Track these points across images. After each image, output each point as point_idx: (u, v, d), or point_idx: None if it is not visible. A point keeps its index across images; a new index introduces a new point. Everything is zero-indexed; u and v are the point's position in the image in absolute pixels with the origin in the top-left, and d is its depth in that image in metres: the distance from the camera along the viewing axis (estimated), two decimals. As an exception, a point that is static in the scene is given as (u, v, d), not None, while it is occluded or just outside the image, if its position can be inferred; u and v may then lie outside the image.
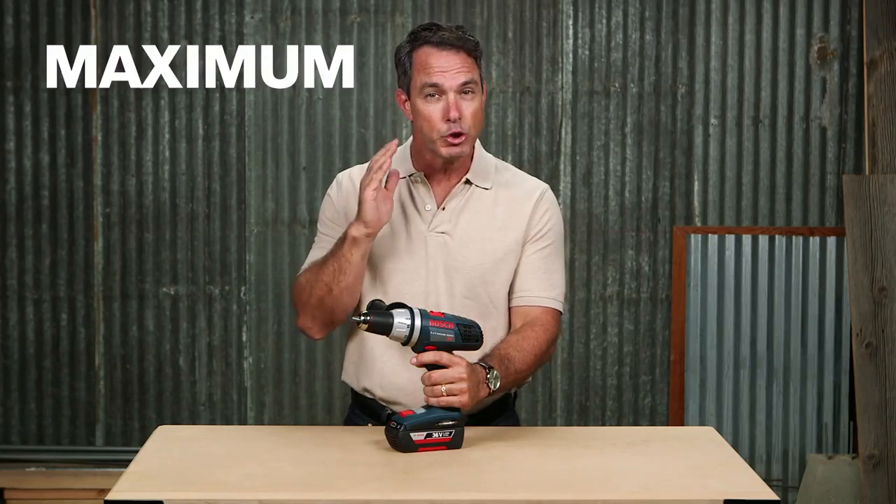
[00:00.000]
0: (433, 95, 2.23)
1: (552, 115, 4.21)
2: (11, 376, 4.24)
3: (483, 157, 2.38)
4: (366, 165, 2.44)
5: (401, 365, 2.27)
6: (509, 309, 2.35)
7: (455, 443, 2.07)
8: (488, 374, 2.13)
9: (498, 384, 2.14)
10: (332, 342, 4.18)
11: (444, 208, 2.31)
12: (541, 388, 4.26)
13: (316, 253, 2.35)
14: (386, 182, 2.20)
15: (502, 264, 2.31)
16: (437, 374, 2.06)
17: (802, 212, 4.23)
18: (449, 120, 2.22)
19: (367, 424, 2.34)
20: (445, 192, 2.33)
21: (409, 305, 2.09)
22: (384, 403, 2.32)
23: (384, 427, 2.09)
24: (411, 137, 2.38)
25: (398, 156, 2.38)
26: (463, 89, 2.24)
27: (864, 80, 4.10)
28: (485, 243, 2.30)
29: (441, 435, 2.06)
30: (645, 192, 4.23)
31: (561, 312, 2.35)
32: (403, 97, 2.30)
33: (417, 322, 2.05)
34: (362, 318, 2.05)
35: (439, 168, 2.32)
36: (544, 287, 2.32)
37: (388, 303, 2.12)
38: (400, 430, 2.03)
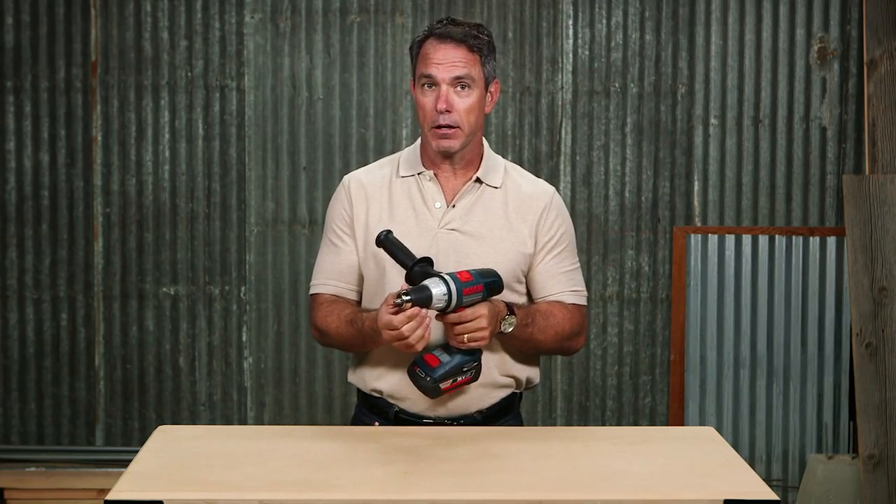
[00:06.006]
0: (429, 86, 2.27)
1: (552, 115, 4.21)
2: (11, 376, 4.24)
3: (492, 157, 2.40)
4: (372, 166, 2.43)
5: (407, 363, 2.28)
6: None
7: (475, 377, 2.19)
8: (507, 314, 2.20)
9: (510, 330, 2.21)
10: (332, 342, 4.18)
11: (454, 206, 2.32)
12: (541, 388, 4.25)
13: (327, 259, 2.37)
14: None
15: (513, 263, 2.32)
16: (460, 327, 2.12)
17: (802, 212, 4.23)
18: (437, 111, 2.24)
19: (374, 423, 2.34)
20: (455, 190, 2.34)
21: (436, 272, 2.12)
22: (392, 401, 2.33)
23: (408, 372, 2.17)
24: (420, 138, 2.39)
25: (408, 155, 2.39)
26: (457, 83, 2.25)
27: (864, 80, 4.10)
28: (495, 242, 2.32)
29: (464, 377, 2.17)
30: (645, 192, 4.23)
31: (586, 305, 2.42)
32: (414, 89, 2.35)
33: (454, 288, 2.10)
34: (402, 300, 2.07)
35: (446, 166, 2.34)
36: (566, 286, 2.37)
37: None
38: (428, 381, 2.13)
